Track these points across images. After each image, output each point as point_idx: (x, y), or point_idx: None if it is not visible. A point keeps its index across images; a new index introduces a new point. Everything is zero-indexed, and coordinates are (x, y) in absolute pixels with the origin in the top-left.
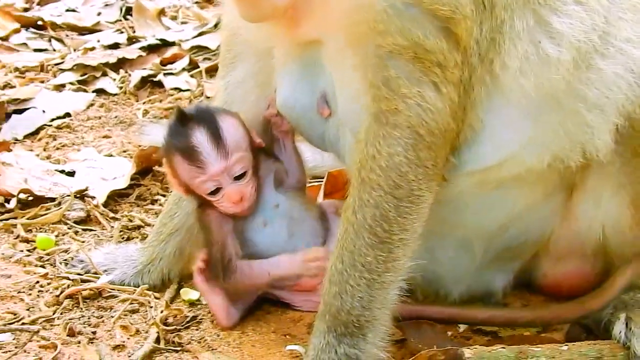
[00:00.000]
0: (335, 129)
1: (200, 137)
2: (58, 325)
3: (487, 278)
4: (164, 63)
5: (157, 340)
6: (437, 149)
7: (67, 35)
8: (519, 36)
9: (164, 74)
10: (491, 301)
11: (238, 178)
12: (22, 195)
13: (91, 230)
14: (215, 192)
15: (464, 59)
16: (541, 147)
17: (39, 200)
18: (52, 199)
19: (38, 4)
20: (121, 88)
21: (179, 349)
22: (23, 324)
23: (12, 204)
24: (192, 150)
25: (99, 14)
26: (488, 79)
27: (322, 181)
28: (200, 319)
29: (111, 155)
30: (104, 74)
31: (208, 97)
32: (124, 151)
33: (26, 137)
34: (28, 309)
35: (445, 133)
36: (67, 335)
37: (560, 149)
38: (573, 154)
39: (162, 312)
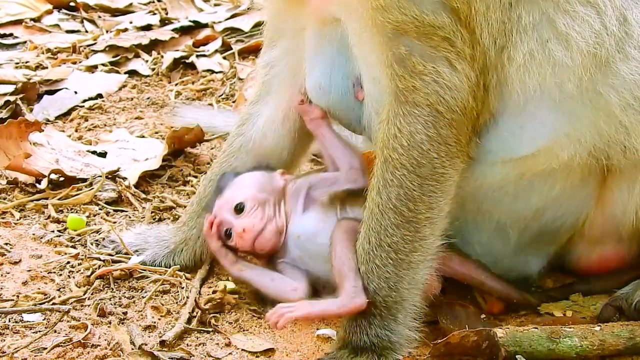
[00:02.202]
0: (369, 112)
1: None
2: (89, 305)
3: (522, 262)
4: (196, 45)
5: (189, 321)
6: (459, 126)
7: (99, 17)
8: (526, 30)
9: (197, 56)
10: (526, 284)
11: (239, 212)
12: (53, 176)
13: (122, 211)
14: (228, 235)
15: (471, 35)
16: (575, 143)
17: (70, 180)
18: (84, 180)
19: None
20: (153, 69)
21: (210, 329)
22: (53, 304)
23: (43, 184)
24: None
25: None
26: (499, 66)
27: None
28: (233, 302)
29: (143, 137)
30: (137, 56)
31: (241, 79)
32: (156, 132)
33: (58, 118)
34: (58, 289)
35: (465, 111)
36: (98, 316)
37: (595, 147)
38: (613, 152)
39: (195, 292)
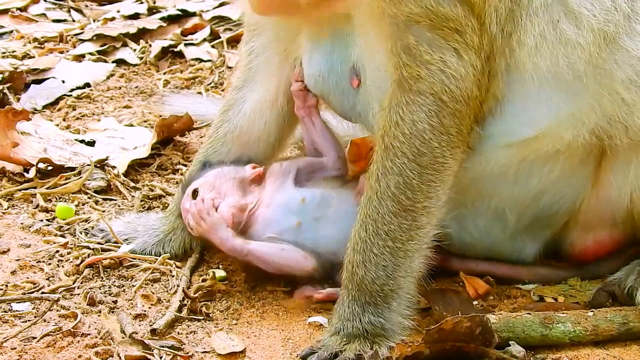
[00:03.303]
0: (365, 100)
1: None
2: (78, 294)
3: (518, 247)
4: (184, 33)
5: (180, 309)
6: (462, 116)
7: (86, 6)
8: (536, 13)
9: (185, 45)
10: None
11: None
12: (41, 165)
13: (111, 199)
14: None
15: (481, 25)
16: (578, 123)
17: (58, 169)
18: (72, 169)
19: None
20: (141, 58)
21: (201, 318)
22: (43, 293)
23: (31, 173)
24: None
25: None
26: (507, 51)
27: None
28: (224, 289)
29: (131, 125)
30: (124, 45)
31: (229, 68)
32: (145, 121)
33: (45, 107)
34: (48, 279)
35: (469, 100)
36: (88, 305)
37: (597, 126)
38: (615, 131)
39: (186, 281)
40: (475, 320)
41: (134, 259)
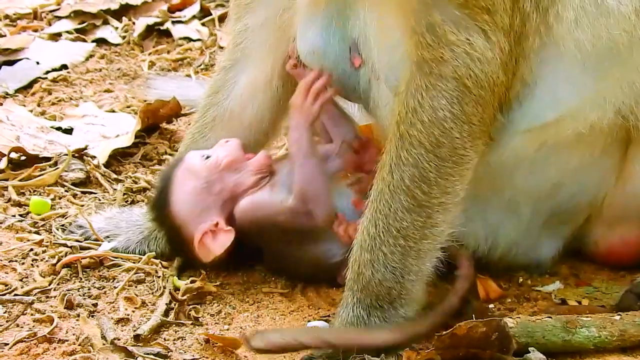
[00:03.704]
0: (367, 80)
1: None
2: (55, 297)
3: (534, 246)
4: (172, 10)
5: (166, 313)
6: (485, 103)
7: None
8: None
9: (172, 22)
10: (538, 271)
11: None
12: (13, 155)
13: (91, 192)
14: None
15: (513, 3)
16: (604, 102)
17: (32, 160)
18: (48, 159)
19: None
20: (124, 38)
21: (190, 322)
22: (15, 295)
23: (3, 164)
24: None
25: None
26: (542, 29)
27: None
28: (214, 291)
29: (113, 111)
30: (105, 22)
31: (221, 48)
32: (128, 107)
33: (18, 91)
34: (21, 280)
35: (494, 86)
36: (65, 308)
37: (624, 105)
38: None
39: (172, 281)
40: (491, 325)
41: (116, 258)
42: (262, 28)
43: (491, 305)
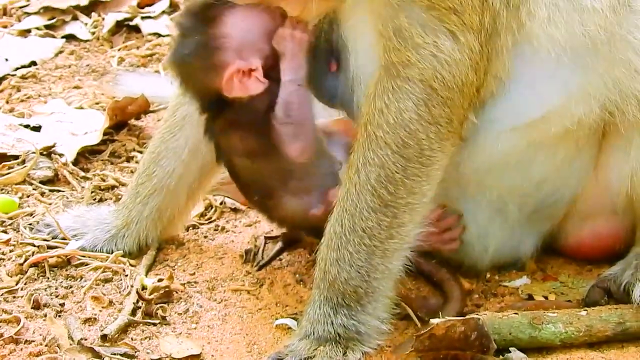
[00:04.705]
0: (348, 86)
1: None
2: (21, 296)
3: (516, 243)
4: (141, 5)
5: (133, 313)
6: (453, 105)
7: None
8: None
9: (142, 18)
10: (515, 268)
11: None
12: None
13: (59, 191)
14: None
15: (482, 2)
16: (589, 98)
17: (0, 158)
18: (16, 157)
19: None
20: (93, 33)
21: (157, 322)
22: None
23: None
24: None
25: None
26: (515, 26)
27: None
28: (182, 290)
29: (82, 108)
30: (74, 18)
31: None
32: (96, 103)
33: None
34: None
35: (463, 87)
36: (32, 308)
37: (609, 101)
38: (626, 105)
39: (140, 281)
40: (470, 324)
41: (84, 256)
42: None
43: None
